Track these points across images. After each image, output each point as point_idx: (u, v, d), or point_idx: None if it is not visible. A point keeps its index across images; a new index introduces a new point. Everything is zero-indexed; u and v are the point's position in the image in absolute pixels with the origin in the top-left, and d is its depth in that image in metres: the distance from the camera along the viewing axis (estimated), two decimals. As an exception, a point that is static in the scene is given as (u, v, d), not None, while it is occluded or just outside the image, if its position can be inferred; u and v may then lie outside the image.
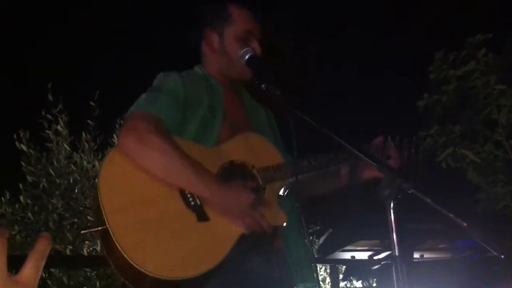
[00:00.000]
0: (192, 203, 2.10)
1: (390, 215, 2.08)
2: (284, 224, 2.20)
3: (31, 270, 0.86)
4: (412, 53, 10.37)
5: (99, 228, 2.03)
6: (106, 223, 1.99)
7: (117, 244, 1.95)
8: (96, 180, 2.13)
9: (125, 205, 2.05)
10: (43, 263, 0.87)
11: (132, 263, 1.93)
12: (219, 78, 2.43)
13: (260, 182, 2.22)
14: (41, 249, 0.87)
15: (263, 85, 2.16)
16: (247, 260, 2.17)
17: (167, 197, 2.09)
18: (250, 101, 2.56)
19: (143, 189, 2.08)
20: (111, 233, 1.97)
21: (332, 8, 11.68)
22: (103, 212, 2.00)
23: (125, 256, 1.94)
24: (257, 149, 2.30)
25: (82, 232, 3.31)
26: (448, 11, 9.96)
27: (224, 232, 2.10)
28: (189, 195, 2.10)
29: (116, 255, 1.97)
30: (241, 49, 2.33)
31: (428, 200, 1.97)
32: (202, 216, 2.09)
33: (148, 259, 1.97)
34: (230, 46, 2.37)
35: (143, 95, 2.28)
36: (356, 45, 12.05)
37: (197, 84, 2.37)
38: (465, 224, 1.88)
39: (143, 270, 1.93)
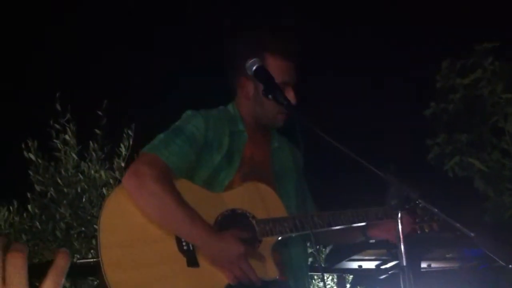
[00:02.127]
0: (185, 247, 2.15)
1: (398, 224, 2.08)
2: (275, 277, 2.21)
3: (50, 285, 0.86)
4: (419, 61, 10.36)
5: (94, 259, 2.10)
6: (100, 256, 2.06)
7: (105, 278, 2.02)
8: (100, 212, 2.20)
9: (122, 242, 2.11)
10: (63, 279, 0.87)
11: None
12: (251, 122, 2.46)
13: (257, 234, 2.23)
14: (61, 264, 0.87)
15: (270, 96, 2.17)
16: None
17: (163, 238, 2.14)
18: (278, 143, 2.56)
19: (142, 229, 2.14)
20: (102, 267, 2.04)
21: (340, 17, 11.70)
22: (99, 245, 2.08)
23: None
24: (263, 200, 2.31)
25: (78, 261, 3.41)
26: (455, 19, 9.96)
27: (211, 280, 2.13)
28: (183, 240, 2.15)
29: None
30: (275, 103, 2.26)
31: (435, 210, 1.98)
32: (192, 261, 2.13)
33: None
34: (264, 98, 2.31)
35: (161, 136, 2.32)
36: (363, 53, 12.05)
37: (222, 127, 2.39)
38: (472, 234, 1.89)
39: None
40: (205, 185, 2.28)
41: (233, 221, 2.22)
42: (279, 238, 2.26)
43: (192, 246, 2.14)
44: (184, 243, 2.14)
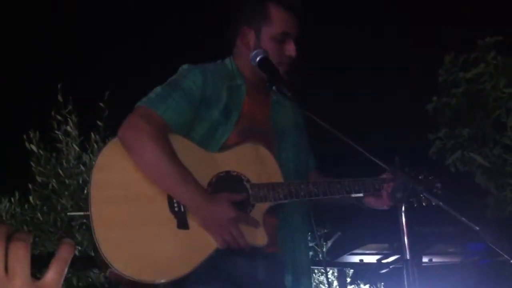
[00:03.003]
0: (176, 209, 2.12)
1: (402, 218, 2.07)
2: (263, 244, 2.18)
3: (54, 275, 0.86)
4: (422, 55, 10.34)
5: (85, 213, 2.06)
6: (90, 211, 2.03)
7: (93, 235, 2.01)
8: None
9: (113, 198, 2.08)
10: (66, 269, 0.87)
11: (104, 256, 1.98)
12: (249, 75, 2.39)
13: (251, 199, 2.20)
14: (64, 255, 0.88)
15: (274, 87, 2.16)
16: (229, 263, 2.17)
17: (155, 197, 2.12)
18: (278, 99, 2.50)
19: (134, 185, 2.11)
20: (91, 223, 2.02)
21: (342, 11, 11.67)
22: (90, 200, 2.05)
23: (99, 247, 1.99)
24: (259, 163, 2.27)
25: (68, 213, 3.32)
26: (458, 13, 9.93)
27: (200, 243, 2.11)
28: (175, 200, 2.13)
29: (95, 245, 2.02)
30: (276, 50, 2.31)
31: (441, 203, 1.97)
32: (182, 223, 2.11)
33: (119, 256, 2.01)
34: (266, 46, 2.32)
35: (158, 89, 2.28)
36: (366, 47, 12.02)
37: (220, 82, 2.35)
38: (477, 228, 1.87)
39: (111, 267, 1.98)
40: (202, 141, 2.24)
41: (227, 184, 2.19)
42: (273, 204, 2.23)
43: (183, 207, 2.11)
44: (175, 204, 2.12)
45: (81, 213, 2.02)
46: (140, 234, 2.06)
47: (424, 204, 2.39)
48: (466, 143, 8.39)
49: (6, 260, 0.83)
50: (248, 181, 2.22)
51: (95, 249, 2.02)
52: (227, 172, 2.22)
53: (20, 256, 0.83)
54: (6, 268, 0.83)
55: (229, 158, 2.25)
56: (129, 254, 2.04)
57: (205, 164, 2.20)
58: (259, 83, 2.38)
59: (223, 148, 2.26)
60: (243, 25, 2.38)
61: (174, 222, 2.10)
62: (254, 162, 2.26)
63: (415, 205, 2.35)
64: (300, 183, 2.27)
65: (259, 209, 2.20)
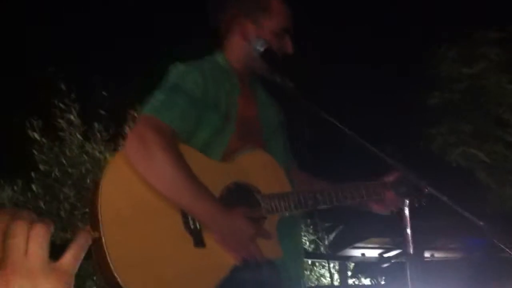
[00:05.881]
0: (192, 226, 2.03)
1: (405, 212, 2.08)
2: (278, 257, 2.14)
3: (71, 259, 0.89)
4: (425, 50, 10.31)
5: (93, 234, 1.96)
6: (102, 233, 1.92)
7: (107, 257, 1.90)
8: (99, 180, 2.01)
9: (124, 216, 1.97)
10: (82, 255, 0.91)
11: (118, 279, 1.88)
12: (241, 69, 2.32)
13: (263, 211, 2.15)
14: (81, 241, 0.91)
15: (278, 79, 2.14)
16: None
17: (168, 213, 2.02)
18: (263, 97, 2.45)
19: (145, 200, 2.01)
20: (104, 245, 1.91)
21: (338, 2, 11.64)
22: (100, 219, 1.94)
23: (113, 270, 1.89)
24: (266, 172, 2.23)
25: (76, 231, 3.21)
26: (461, 8, 9.90)
27: (217, 261, 2.04)
28: (189, 217, 2.04)
29: (104, 266, 1.91)
30: (275, 44, 2.24)
31: (445, 198, 1.97)
32: (199, 241, 2.03)
33: (134, 278, 1.93)
34: (267, 36, 2.25)
35: (160, 95, 2.15)
36: (366, 40, 12.00)
37: (218, 83, 2.25)
38: (481, 224, 1.88)
39: None
40: (204, 148, 2.15)
41: (238, 196, 2.13)
42: (285, 214, 2.21)
43: (199, 224, 2.03)
44: (191, 221, 2.03)
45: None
46: (155, 253, 1.98)
47: (424, 201, 2.40)
48: (468, 139, 8.40)
49: (26, 243, 0.86)
50: (258, 191, 2.18)
51: (104, 269, 1.91)
52: (236, 183, 2.16)
53: (40, 237, 0.86)
54: (26, 250, 0.86)
55: (236, 167, 2.19)
56: (145, 276, 1.96)
57: (213, 175, 2.12)
58: (248, 78, 2.34)
59: (226, 154, 2.20)
60: (240, 17, 2.29)
61: (189, 240, 2.01)
62: (261, 171, 2.22)
63: (417, 202, 2.36)
64: (306, 191, 2.24)
65: (271, 221, 2.16)
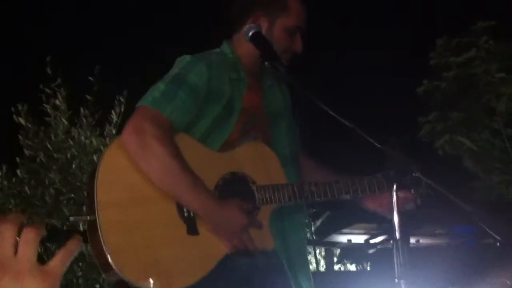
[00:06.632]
0: (186, 214, 2.08)
1: (393, 197, 2.08)
2: (271, 248, 2.18)
3: (58, 263, 0.94)
4: (413, 38, 10.32)
5: (88, 218, 2.00)
6: (97, 216, 1.97)
7: (101, 240, 1.95)
8: (97, 165, 2.10)
9: (120, 201, 2.02)
10: (70, 260, 0.96)
11: (111, 263, 1.94)
12: (249, 63, 2.33)
13: (257, 201, 2.19)
14: (71, 248, 0.97)
15: (267, 63, 2.13)
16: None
17: (163, 200, 2.06)
18: (269, 81, 2.46)
19: (141, 187, 2.05)
20: (98, 227, 1.96)
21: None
22: (96, 203, 1.99)
23: (106, 254, 1.93)
24: (263, 163, 2.25)
25: (71, 219, 3.28)
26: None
27: (210, 249, 2.09)
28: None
29: (98, 249, 1.96)
30: (286, 42, 2.27)
31: (433, 184, 1.97)
32: (192, 229, 2.07)
33: (127, 263, 1.97)
34: (277, 37, 2.28)
35: (162, 86, 2.17)
36: (356, 30, 11.99)
37: (223, 75, 2.27)
38: (471, 209, 1.89)
39: (119, 274, 1.94)
40: (203, 138, 2.20)
41: (233, 186, 2.18)
42: (278, 206, 2.23)
43: (193, 212, 2.09)
44: (185, 209, 2.08)
45: (84, 217, 1.96)
46: (149, 239, 2.02)
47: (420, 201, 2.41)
48: (456, 127, 8.43)
49: (16, 244, 0.92)
50: (253, 182, 2.21)
51: (98, 252, 1.96)
52: (232, 174, 2.20)
53: (29, 239, 0.92)
54: (16, 249, 0.92)
55: (234, 157, 2.21)
56: (138, 261, 1.99)
57: (210, 164, 2.16)
58: (257, 71, 2.36)
59: (225, 145, 2.23)
60: (257, 11, 2.30)
61: (183, 227, 2.07)
62: (258, 162, 2.25)
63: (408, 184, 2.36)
64: (302, 184, 2.26)
65: (265, 212, 2.20)
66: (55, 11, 11.17)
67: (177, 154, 2.05)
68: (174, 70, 2.23)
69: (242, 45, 2.33)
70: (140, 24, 11.69)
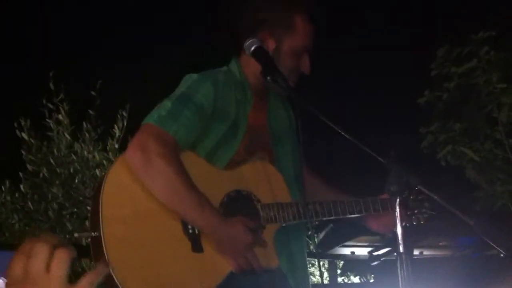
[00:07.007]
0: (191, 231, 2.07)
1: (396, 211, 2.07)
2: (275, 267, 2.17)
3: (86, 284, 1.00)
4: (414, 49, 10.35)
5: (93, 234, 2.00)
6: (101, 232, 1.97)
7: (106, 255, 1.94)
8: (102, 181, 2.08)
9: (125, 217, 2.02)
10: (97, 282, 1.02)
11: (115, 278, 1.91)
12: (255, 82, 2.31)
13: (261, 220, 2.18)
14: (99, 270, 1.03)
15: (268, 78, 2.11)
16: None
17: (168, 217, 2.06)
18: (273, 102, 2.45)
19: (146, 204, 2.04)
20: (103, 243, 1.96)
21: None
22: (100, 219, 1.98)
23: (110, 269, 1.88)
24: (268, 182, 2.25)
25: (75, 235, 3.28)
26: (452, 7, 9.94)
27: (214, 266, 2.08)
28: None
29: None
30: (294, 62, 2.25)
31: (436, 197, 1.97)
32: (197, 246, 2.07)
33: (131, 279, 1.95)
34: (284, 57, 2.25)
35: (168, 104, 2.15)
36: (358, 40, 12.02)
37: (230, 95, 2.26)
38: (472, 222, 1.88)
39: None
40: (209, 156, 2.19)
41: (238, 203, 2.17)
42: (282, 225, 2.22)
43: (197, 229, 2.08)
44: (189, 226, 2.07)
45: (89, 233, 1.95)
46: (154, 255, 2.02)
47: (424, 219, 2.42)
48: (458, 137, 8.42)
49: (49, 262, 0.98)
50: (258, 200, 2.20)
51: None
52: (237, 191, 2.19)
53: (62, 260, 0.98)
54: (48, 267, 0.97)
55: (239, 175, 2.21)
56: (142, 277, 1.99)
57: (215, 182, 2.15)
58: (263, 90, 2.35)
59: (231, 163, 2.22)
60: (263, 31, 2.26)
61: (188, 244, 2.06)
62: (262, 180, 2.24)
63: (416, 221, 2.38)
64: (306, 203, 2.24)
65: (270, 230, 2.19)
66: (57, 27, 11.23)
67: (182, 171, 2.05)
68: (181, 88, 2.23)
69: (249, 64, 2.29)
70: (140, 24, 11.74)
